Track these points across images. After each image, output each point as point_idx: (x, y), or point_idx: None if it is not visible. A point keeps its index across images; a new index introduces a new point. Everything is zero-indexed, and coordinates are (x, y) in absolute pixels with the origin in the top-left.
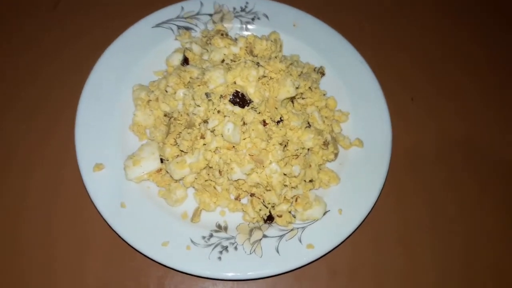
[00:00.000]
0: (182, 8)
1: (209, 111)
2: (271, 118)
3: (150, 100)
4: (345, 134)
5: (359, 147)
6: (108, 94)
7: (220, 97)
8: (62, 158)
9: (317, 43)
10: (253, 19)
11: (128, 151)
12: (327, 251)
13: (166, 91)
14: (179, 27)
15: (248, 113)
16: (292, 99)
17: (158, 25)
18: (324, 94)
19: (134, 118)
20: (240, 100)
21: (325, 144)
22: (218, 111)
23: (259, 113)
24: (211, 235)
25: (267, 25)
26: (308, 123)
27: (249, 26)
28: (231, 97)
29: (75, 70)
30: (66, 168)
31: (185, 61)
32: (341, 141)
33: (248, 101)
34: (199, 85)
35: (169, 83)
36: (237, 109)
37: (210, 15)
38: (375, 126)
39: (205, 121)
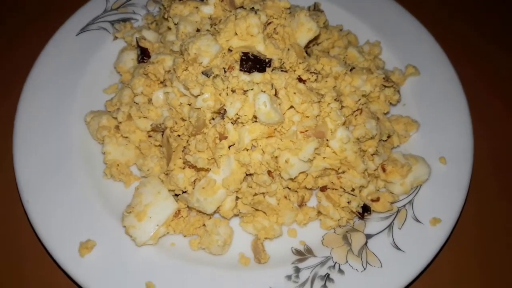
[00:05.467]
0: None
1: (220, 95)
2: (308, 70)
3: (120, 123)
4: (388, 68)
5: (416, 75)
6: (50, 140)
7: (224, 71)
8: None
9: None
10: None
11: (118, 207)
12: (457, 218)
13: (136, 103)
14: (113, 23)
15: (276, 76)
16: (306, 47)
17: (83, 30)
18: (340, 30)
19: (106, 158)
20: (254, 62)
21: (386, 79)
22: (233, 91)
23: (288, 70)
24: (297, 269)
25: None
26: (348, 65)
27: None
28: (240, 64)
29: None
30: None
31: (144, 54)
32: (392, 76)
33: (267, 61)
34: (185, 69)
35: (136, 89)
36: (257, 76)
37: None
38: (417, 46)
39: (218, 113)
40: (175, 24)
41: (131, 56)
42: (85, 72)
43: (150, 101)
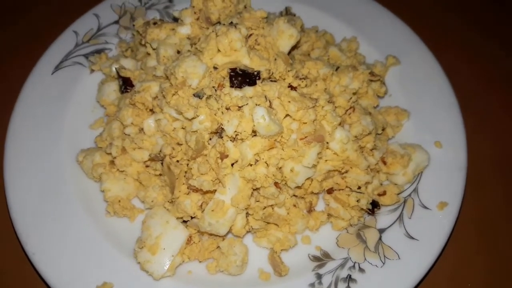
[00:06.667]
0: (76, 32)
1: (215, 115)
2: (297, 77)
3: (115, 158)
4: (370, 61)
5: (396, 65)
6: (44, 187)
7: (215, 89)
8: None
9: None
10: (170, 0)
11: (126, 243)
12: (462, 198)
13: (128, 135)
14: (87, 56)
15: (267, 87)
16: (288, 54)
17: (58, 68)
18: (316, 31)
19: (106, 195)
20: (243, 77)
21: (372, 74)
22: (227, 108)
23: (278, 79)
24: (319, 276)
25: None
26: (333, 65)
27: (171, 11)
28: (230, 80)
29: None
30: None
31: (126, 83)
32: (374, 69)
33: (255, 74)
34: (174, 93)
35: (125, 120)
36: (249, 90)
37: (116, 22)
38: (392, 35)
39: (215, 132)
40: (154, 49)
41: (113, 88)
42: (67, 110)
43: (141, 130)
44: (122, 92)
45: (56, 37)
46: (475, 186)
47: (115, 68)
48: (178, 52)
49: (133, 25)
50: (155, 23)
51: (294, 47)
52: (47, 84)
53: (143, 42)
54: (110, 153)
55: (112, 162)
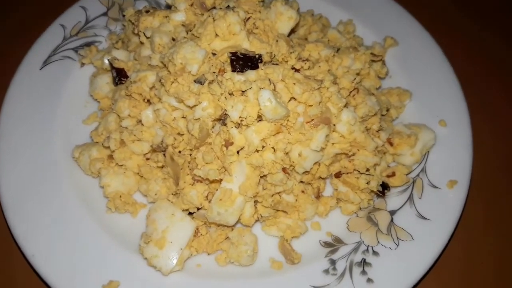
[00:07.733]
0: (63, 26)
1: (218, 100)
2: (300, 58)
3: (113, 152)
4: (367, 44)
5: (395, 46)
6: (40, 187)
7: (215, 75)
8: None
9: None
10: None
11: (130, 239)
12: (470, 176)
13: (125, 128)
14: (76, 49)
15: (270, 70)
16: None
17: (46, 62)
18: (312, 14)
19: (106, 191)
20: (245, 60)
21: (374, 54)
22: (231, 93)
23: (281, 62)
24: (332, 262)
25: None
26: (333, 47)
27: (160, 0)
28: (231, 64)
29: None
30: None
31: (120, 75)
32: (373, 50)
33: (257, 57)
34: (173, 81)
35: (122, 113)
36: (251, 74)
37: (104, 14)
38: (388, 17)
39: (218, 119)
40: (148, 37)
41: (105, 80)
42: (59, 106)
43: (139, 122)
44: (116, 84)
45: (42, 32)
46: (480, 171)
47: (108, 60)
48: (173, 39)
49: (123, 16)
50: (147, 11)
51: (291, 32)
52: (35, 80)
53: (135, 32)
54: (108, 147)
55: (110, 157)
